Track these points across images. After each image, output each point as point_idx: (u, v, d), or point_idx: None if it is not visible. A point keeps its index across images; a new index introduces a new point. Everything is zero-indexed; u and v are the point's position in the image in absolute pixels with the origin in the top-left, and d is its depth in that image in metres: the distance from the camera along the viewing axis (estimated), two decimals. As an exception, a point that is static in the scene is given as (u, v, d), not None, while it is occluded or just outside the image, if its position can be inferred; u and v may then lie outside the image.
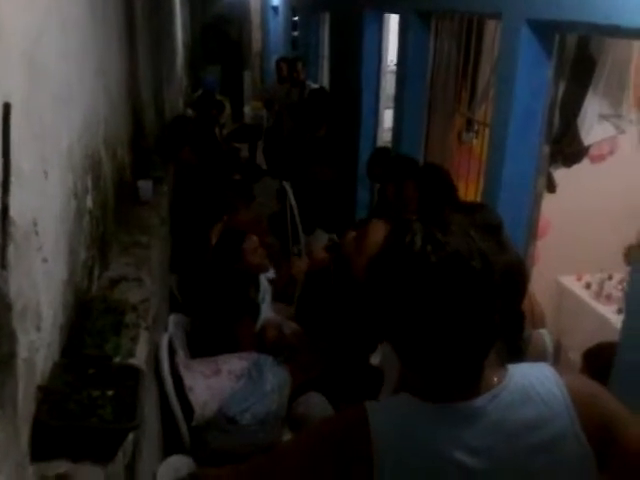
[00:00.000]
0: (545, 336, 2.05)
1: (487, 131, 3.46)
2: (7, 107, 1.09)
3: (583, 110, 3.37)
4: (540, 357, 1.95)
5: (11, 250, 1.19)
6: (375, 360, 2.88)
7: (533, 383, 1.13)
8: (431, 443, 1.07)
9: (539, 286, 3.15)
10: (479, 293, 1.03)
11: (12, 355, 1.00)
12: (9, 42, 1.29)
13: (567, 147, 3.45)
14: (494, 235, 2.25)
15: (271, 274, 4.28)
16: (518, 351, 1.86)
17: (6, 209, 1.09)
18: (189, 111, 7.58)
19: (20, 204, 1.27)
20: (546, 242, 3.55)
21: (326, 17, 7.49)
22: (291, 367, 3.13)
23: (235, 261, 3.30)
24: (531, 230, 3.24)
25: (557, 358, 2.42)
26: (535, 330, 2.11)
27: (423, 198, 3.09)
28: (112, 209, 2.60)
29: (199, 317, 3.28)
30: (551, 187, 3.50)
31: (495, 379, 1.12)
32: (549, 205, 3.37)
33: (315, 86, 7.19)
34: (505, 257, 1.92)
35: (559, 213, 3.53)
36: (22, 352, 1.25)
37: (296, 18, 9.53)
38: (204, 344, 3.15)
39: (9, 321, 0.98)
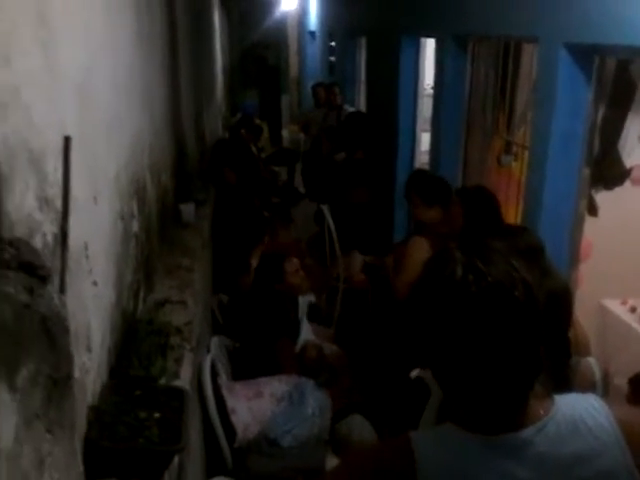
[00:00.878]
0: (593, 365, 2.02)
1: (526, 154, 3.45)
2: (67, 140, 1.15)
3: (624, 133, 3.33)
4: (588, 387, 1.92)
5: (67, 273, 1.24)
6: (416, 372, 2.85)
7: (582, 415, 1.10)
8: (477, 475, 1.06)
9: (583, 310, 3.11)
10: (523, 323, 1.02)
11: (70, 376, 1.04)
12: (65, 77, 1.36)
13: (608, 170, 3.42)
14: (536, 259, 2.24)
15: (311, 297, 4.31)
16: (565, 380, 1.83)
17: (65, 235, 1.14)
18: (227, 134, 7.73)
19: (73, 229, 1.33)
20: (589, 265, 3.49)
21: (363, 42, 7.57)
22: (332, 390, 3.14)
23: (276, 282, 3.35)
24: (573, 253, 3.20)
25: (605, 387, 2.36)
26: (583, 358, 2.08)
27: (468, 220, 3.08)
28: (156, 232, 2.67)
29: (240, 338, 3.32)
30: (593, 210, 3.46)
31: (541, 410, 1.10)
32: (591, 228, 3.32)
33: (352, 110, 7.26)
34: (549, 282, 1.91)
35: (601, 236, 3.48)
36: (75, 373, 1.30)
37: (333, 43, 9.65)
38: (246, 365, 3.19)
39: (68, 343, 1.02)
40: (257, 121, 8.68)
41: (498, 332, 1.00)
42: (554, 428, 1.08)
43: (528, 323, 1.02)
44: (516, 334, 1.01)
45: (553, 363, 1.82)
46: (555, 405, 1.11)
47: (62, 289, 1.10)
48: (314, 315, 4.08)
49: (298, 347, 3.35)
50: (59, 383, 0.94)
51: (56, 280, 1.11)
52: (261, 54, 13.04)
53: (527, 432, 1.07)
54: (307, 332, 3.51)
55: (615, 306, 3.77)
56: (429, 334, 1.07)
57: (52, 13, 1.29)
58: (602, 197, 3.60)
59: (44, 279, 0.93)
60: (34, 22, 1.20)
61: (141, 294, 2.25)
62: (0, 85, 1.01)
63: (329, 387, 3.12)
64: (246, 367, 3.14)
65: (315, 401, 2.97)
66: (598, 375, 2.05)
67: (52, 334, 0.91)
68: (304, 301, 3.75)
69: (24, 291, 0.85)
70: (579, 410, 1.12)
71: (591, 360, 2.10)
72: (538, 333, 1.04)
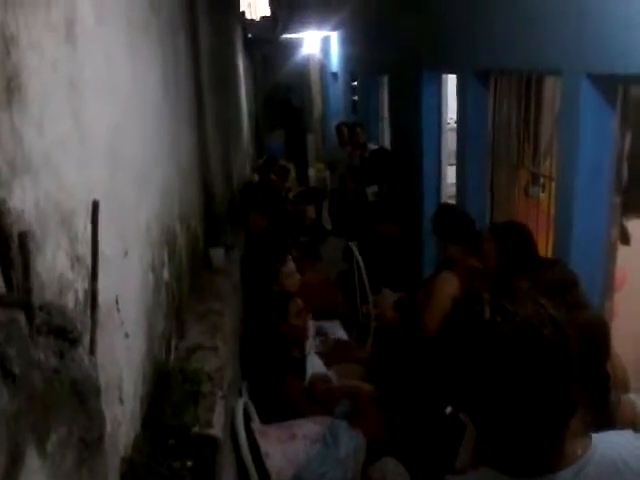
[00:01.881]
0: (636, 401, 1.96)
1: (553, 185, 3.42)
2: (95, 205, 1.18)
3: (653, 159, 3.29)
4: (630, 424, 1.86)
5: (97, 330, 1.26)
6: (450, 409, 2.81)
7: (622, 454, 1.07)
8: None
9: (620, 342, 3.03)
10: (553, 361, 1.00)
11: (101, 437, 1.05)
12: (93, 138, 1.41)
13: (638, 198, 3.36)
14: (569, 293, 2.20)
15: (342, 335, 4.30)
16: (606, 417, 1.77)
17: (95, 297, 1.16)
18: (255, 176, 7.83)
19: (103, 285, 1.35)
20: (623, 295, 3.42)
21: (384, 80, 7.67)
22: (361, 424, 3.10)
23: (279, 322, 3.38)
24: (607, 284, 3.14)
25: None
26: (623, 395, 2.02)
27: (503, 255, 3.06)
28: (187, 279, 2.71)
29: (251, 379, 3.33)
30: (625, 238, 3.40)
31: (579, 450, 1.07)
32: (624, 257, 3.26)
33: (375, 147, 7.31)
34: (584, 315, 1.87)
35: (635, 264, 3.41)
36: (107, 427, 1.31)
37: (355, 83, 9.78)
38: (260, 405, 3.19)
39: (99, 404, 1.04)
40: (283, 161, 8.79)
41: (529, 372, 0.99)
42: (593, 469, 1.05)
43: (559, 361, 1.01)
44: (548, 373, 1.00)
45: (592, 398, 1.77)
46: (593, 444, 1.08)
47: (92, 349, 1.12)
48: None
49: (307, 381, 3.35)
50: (91, 444, 0.95)
51: (87, 339, 1.13)
52: (285, 96, 13.27)
53: (565, 474, 1.04)
54: (317, 366, 3.50)
55: (654, 335, 3.67)
56: (461, 375, 1.06)
57: (82, 78, 1.34)
58: (634, 225, 3.53)
59: (74, 342, 0.95)
60: (65, 88, 1.25)
61: (173, 341, 2.27)
62: (33, 152, 1.05)
63: (353, 419, 3.09)
64: (262, 407, 3.14)
65: (349, 442, 2.94)
66: (640, 410, 1.99)
67: (83, 396, 0.93)
68: (312, 338, 3.76)
69: (54, 356, 0.87)
70: (619, 449, 1.08)
71: (632, 396, 2.04)
72: (570, 371, 1.02)
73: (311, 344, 3.72)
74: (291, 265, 3.89)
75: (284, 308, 3.40)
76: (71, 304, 1.15)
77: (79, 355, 0.95)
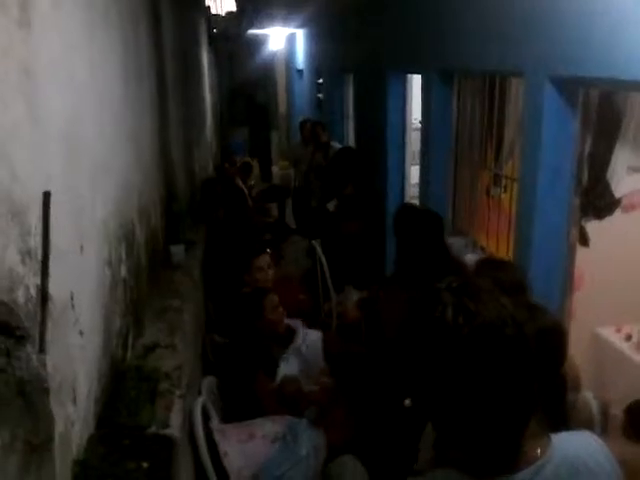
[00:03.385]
0: (590, 400, 1.98)
1: (515, 186, 3.46)
2: (47, 196, 1.13)
3: (612, 162, 3.35)
4: (586, 423, 1.88)
5: (49, 327, 1.21)
6: (409, 402, 2.80)
7: (580, 455, 1.08)
8: None
9: (577, 340, 3.08)
10: (515, 361, 1.00)
11: (50, 439, 1.00)
12: (49, 127, 1.35)
13: (598, 199, 3.42)
14: (521, 295, 2.23)
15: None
16: (563, 417, 1.79)
17: (45, 294, 1.11)
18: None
19: (57, 281, 1.30)
20: (582, 295, 3.48)
21: (350, 78, 7.67)
22: (325, 426, 3.08)
23: (256, 318, 3.34)
24: (566, 283, 3.20)
25: (604, 421, 2.32)
26: (580, 394, 2.04)
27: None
28: (145, 275, 2.64)
29: (222, 375, 3.29)
30: (584, 240, 3.46)
31: (538, 450, 1.06)
32: (583, 258, 3.32)
33: (338, 146, 7.29)
34: (544, 317, 1.89)
35: (593, 265, 3.47)
36: (58, 427, 1.26)
37: (321, 80, 9.77)
38: (228, 403, 3.15)
39: (47, 405, 0.99)
40: (247, 158, 8.71)
41: (492, 371, 0.98)
42: (552, 469, 1.05)
43: (521, 361, 1.00)
44: (509, 372, 0.99)
45: (549, 400, 1.79)
46: (552, 445, 1.08)
47: (42, 347, 1.07)
48: None
49: (277, 381, 3.32)
50: (38, 448, 0.90)
51: (37, 336, 1.08)
52: (250, 92, 13.17)
53: (523, 474, 1.04)
54: (290, 367, 3.45)
55: (610, 334, 3.74)
56: (421, 375, 1.04)
57: (36, 65, 1.28)
58: (593, 226, 3.60)
59: (22, 339, 0.90)
60: (18, 75, 1.19)
61: (130, 339, 2.21)
62: (-20, 139, 1.00)
63: (319, 422, 3.07)
64: (229, 405, 3.10)
65: (309, 441, 2.91)
66: (596, 410, 2.01)
67: (30, 397, 0.88)
68: (302, 339, 3.70)
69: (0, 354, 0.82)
70: (577, 450, 1.09)
71: (587, 395, 2.07)
72: (531, 370, 1.02)
73: (298, 345, 3.64)
74: (266, 258, 3.83)
75: (259, 304, 3.35)
76: (21, 300, 1.09)
77: (26, 353, 0.90)
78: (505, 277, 2.34)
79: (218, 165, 7.75)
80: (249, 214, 5.85)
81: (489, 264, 2.69)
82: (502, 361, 0.98)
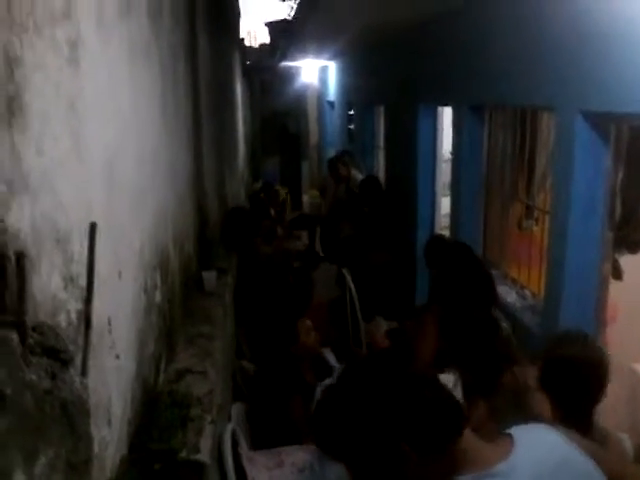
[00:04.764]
0: (625, 441, 1.95)
1: (547, 218, 3.45)
2: (93, 227, 1.18)
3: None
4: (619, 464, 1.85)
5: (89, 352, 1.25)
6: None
7: (539, 456, 1.17)
8: None
9: (612, 376, 3.03)
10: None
11: (89, 459, 1.03)
12: (92, 159, 1.41)
13: (632, 233, 3.40)
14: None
15: (334, 363, 4.26)
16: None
17: (89, 319, 1.15)
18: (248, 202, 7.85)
19: (97, 305, 1.34)
20: (615, 329, 3.43)
21: (381, 110, 7.75)
22: None
23: (291, 344, 3.34)
24: (599, 317, 3.16)
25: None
26: (613, 432, 2.01)
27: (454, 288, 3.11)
28: (179, 301, 2.69)
29: (256, 399, 3.29)
30: (617, 273, 3.42)
31: (492, 457, 1.17)
32: (616, 291, 3.28)
33: (359, 177, 7.31)
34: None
35: (627, 299, 3.43)
36: (94, 449, 1.29)
37: (352, 112, 9.88)
38: (260, 429, 3.14)
39: (88, 426, 1.02)
40: (278, 187, 8.82)
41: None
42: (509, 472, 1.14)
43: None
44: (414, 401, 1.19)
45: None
46: (514, 450, 1.17)
47: (84, 371, 1.11)
48: None
49: (314, 406, 3.31)
50: (78, 467, 0.94)
51: (78, 360, 1.12)
52: (282, 122, 13.37)
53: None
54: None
55: (646, 370, 3.67)
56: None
57: (82, 99, 1.35)
58: (626, 260, 3.56)
59: (66, 363, 0.94)
60: (65, 109, 1.26)
61: (162, 364, 2.25)
62: (32, 171, 1.05)
63: None
64: (263, 429, 3.09)
65: (336, 471, 2.89)
66: (630, 450, 1.96)
67: (72, 418, 0.92)
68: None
69: (46, 376, 0.86)
70: (536, 448, 1.18)
71: (623, 436, 2.02)
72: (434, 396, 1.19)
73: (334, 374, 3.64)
74: (307, 323, 3.77)
75: (293, 328, 3.37)
76: (63, 324, 1.14)
77: (70, 376, 0.94)
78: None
79: (255, 193, 7.84)
80: (279, 243, 5.89)
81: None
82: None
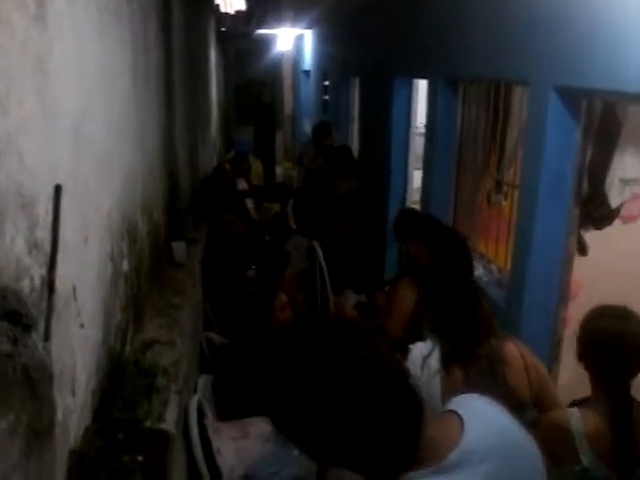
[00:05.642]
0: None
1: (516, 193, 3.48)
2: (58, 189, 1.16)
3: (611, 173, 3.37)
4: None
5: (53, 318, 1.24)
6: None
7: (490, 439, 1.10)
8: None
9: (571, 348, 3.10)
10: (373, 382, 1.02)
11: (51, 425, 1.02)
12: (59, 122, 1.38)
13: (596, 210, 3.44)
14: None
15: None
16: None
17: (52, 285, 1.13)
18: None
19: (62, 272, 1.32)
20: (578, 304, 3.49)
21: (356, 81, 7.70)
22: None
23: (264, 319, 3.34)
24: (563, 292, 3.22)
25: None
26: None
27: (434, 260, 3.13)
28: (147, 271, 2.66)
29: (225, 372, 3.30)
30: (582, 249, 3.48)
31: (443, 450, 1.06)
32: (580, 267, 3.34)
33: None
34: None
35: (591, 275, 3.49)
36: (57, 415, 1.28)
37: (327, 82, 9.79)
38: (232, 401, 3.16)
39: (50, 392, 1.01)
40: (251, 158, 8.73)
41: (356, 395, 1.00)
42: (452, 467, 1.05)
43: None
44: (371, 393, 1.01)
45: None
46: (462, 443, 1.07)
47: (47, 336, 1.09)
48: None
49: None
50: (40, 433, 0.93)
51: (41, 326, 1.10)
52: (256, 91, 13.20)
53: (421, 474, 1.04)
54: None
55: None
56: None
57: (49, 61, 1.31)
58: (591, 236, 3.61)
59: (29, 327, 0.92)
60: (32, 71, 1.22)
61: (129, 334, 2.24)
62: (-5, 133, 1.02)
63: None
64: (231, 402, 3.11)
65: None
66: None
67: (34, 383, 0.90)
68: None
69: (7, 341, 0.84)
70: (486, 432, 1.10)
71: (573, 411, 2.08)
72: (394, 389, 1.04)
73: None
74: (282, 298, 3.75)
75: (269, 304, 3.36)
76: (27, 290, 1.12)
77: (33, 341, 0.93)
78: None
79: (217, 165, 7.76)
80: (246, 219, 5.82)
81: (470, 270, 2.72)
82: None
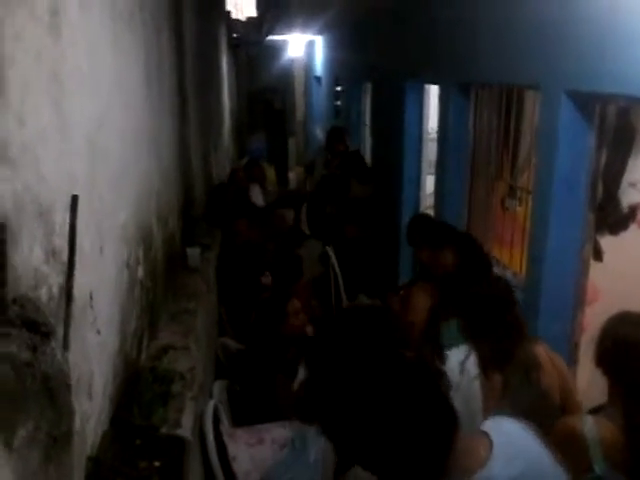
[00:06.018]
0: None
1: (530, 198, 3.47)
2: (75, 199, 1.17)
3: (624, 178, 3.35)
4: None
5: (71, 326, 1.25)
6: None
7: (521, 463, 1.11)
8: None
9: (588, 354, 3.08)
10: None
11: (70, 432, 1.03)
12: (75, 131, 1.39)
13: (612, 215, 3.42)
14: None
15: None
16: None
17: (70, 293, 1.15)
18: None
19: (79, 280, 1.34)
20: (595, 310, 3.47)
21: (368, 87, 7.70)
22: None
23: (279, 323, 3.35)
24: (579, 298, 3.19)
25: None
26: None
27: (461, 266, 3.11)
28: (162, 277, 2.68)
29: (240, 378, 3.31)
30: (598, 254, 3.45)
31: (474, 463, 1.08)
32: (596, 272, 3.32)
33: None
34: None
35: (607, 280, 3.46)
36: (75, 423, 1.29)
37: (339, 88, 9.81)
38: (245, 406, 3.17)
39: (69, 399, 1.02)
40: (264, 164, 8.75)
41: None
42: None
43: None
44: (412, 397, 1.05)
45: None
46: (491, 461, 1.09)
47: (66, 344, 1.10)
48: None
49: (296, 385, 3.33)
50: (59, 440, 0.94)
51: (60, 333, 1.12)
52: (268, 98, 13.25)
53: None
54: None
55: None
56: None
57: (64, 70, 1.33)
58: (607, 241, 3.59)
59: (47, 335, 0.93)
60: (47, 81, 1.23)
61: (145, 340, 2.25)
62: (13, 143, 1.03)
63: None
64: (246, 408, 3.12)
65: (317, 447, 2.93)
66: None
67: (53, 391, 0.91)
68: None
69: (27, 349, 0.85)
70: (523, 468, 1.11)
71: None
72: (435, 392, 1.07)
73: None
74: (296, 304, 3.76)
75: (282, 309, 3.38)
76: (45, 298, 1.13)
77: (51, 349, 0.94)
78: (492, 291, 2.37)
79: (231, 171, 7.78)
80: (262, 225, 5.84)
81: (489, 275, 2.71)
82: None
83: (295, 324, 3.40)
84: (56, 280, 1.19)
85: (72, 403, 1.05)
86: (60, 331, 1.11)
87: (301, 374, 3.41)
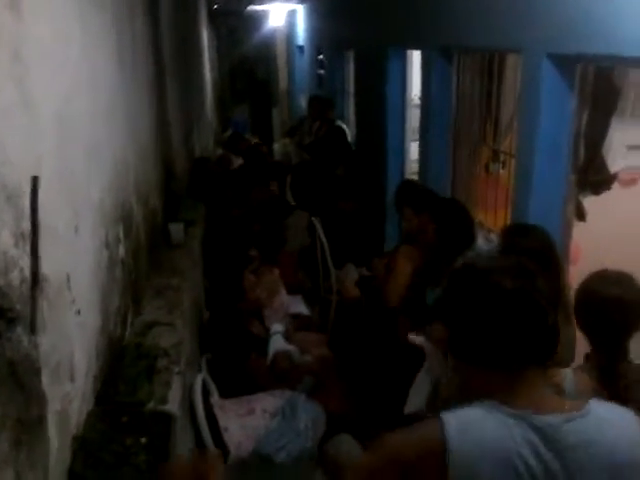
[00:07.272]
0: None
1: (513, 161, 3.47)
2: (35, 180, 1.15)
3: (608, 139, 3.34)
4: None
5: (44, 307, 1.24)
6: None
7: (617, 444, 1.21)
8: (504, 439, 1.18)
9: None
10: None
11: (41, 418, 1.03)
12: (41, 110, 1.36)
13: (594, 175, 3.43)
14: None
15: (303, 309, 4.33)
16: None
17: (36, 275, 1.13)
18: (220, 151, 7.71)
19: (52, 262, 1.33)
20: (578, 269, 3.50)
21: (350, 55, 7.61)
22: (321, 397, 3.13)
23: (238, 301, 3.38)
24: (562, 257, 3.21)
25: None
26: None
27: (440, 231, 3.12)
28: (145, 255, 2.67)
29: (214, 357, 3.34)
30: (581, 215, 3.47)
31: (567, 406, 1.24)
32: (579, 232, 3.34)
33: (340, 124, 7.26)
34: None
35: (590, 240, 3.49)
36: (56, 405, 1.30)
37: (321, 56, 9.69)
38: (225, 383, 3.20)
39: (38, 385, 1.02)
40: (248, 136, 8.68)
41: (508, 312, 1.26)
42: (582, 426, 1.20)
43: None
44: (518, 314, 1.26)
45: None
46: (590, 407, 1.24)
47: (33, 328, 1.09)
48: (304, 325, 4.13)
49: (269, 359, 3.36)
50: (29, 425, 0.94)
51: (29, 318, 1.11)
52: (250, 68, 13.07)
53: (553, 418, 1.19)
54: (278, 342, 3.50)
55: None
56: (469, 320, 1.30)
57: (26, 48, 1.29)
58: (590, 201, 3.60)
59: (13, 321, 0.92)
60: (9, 59, 1.21)
61: (129, 317, 2.25)
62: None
63: (315, 393, 3.12)
64: (226, 384, 3.15)
65: (307, 414, 2.96)
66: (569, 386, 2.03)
67: (20, 378, 0.91)
68: (277, 312, 3.76)
69: (-10, 336, 0.85)
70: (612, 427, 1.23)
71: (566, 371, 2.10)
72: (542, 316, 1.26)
73: (280, 326, 3.69)
74: (251, 279, 3.78)
75: (239, 287, 3.39)
76: (16, 282, 1.12)
77: (17, 335, 0.93)
78: (530, 244, 2.41)
79: (225, 143, 7.71)
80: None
81: (515, 230, 2.73)
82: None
83: (255, 297, 3.44)
84: (27, 263, 1.18)
85: (43, 389, 1.05)
86: (29, 315, 1.11)
87: (272, 348, 3.44)
